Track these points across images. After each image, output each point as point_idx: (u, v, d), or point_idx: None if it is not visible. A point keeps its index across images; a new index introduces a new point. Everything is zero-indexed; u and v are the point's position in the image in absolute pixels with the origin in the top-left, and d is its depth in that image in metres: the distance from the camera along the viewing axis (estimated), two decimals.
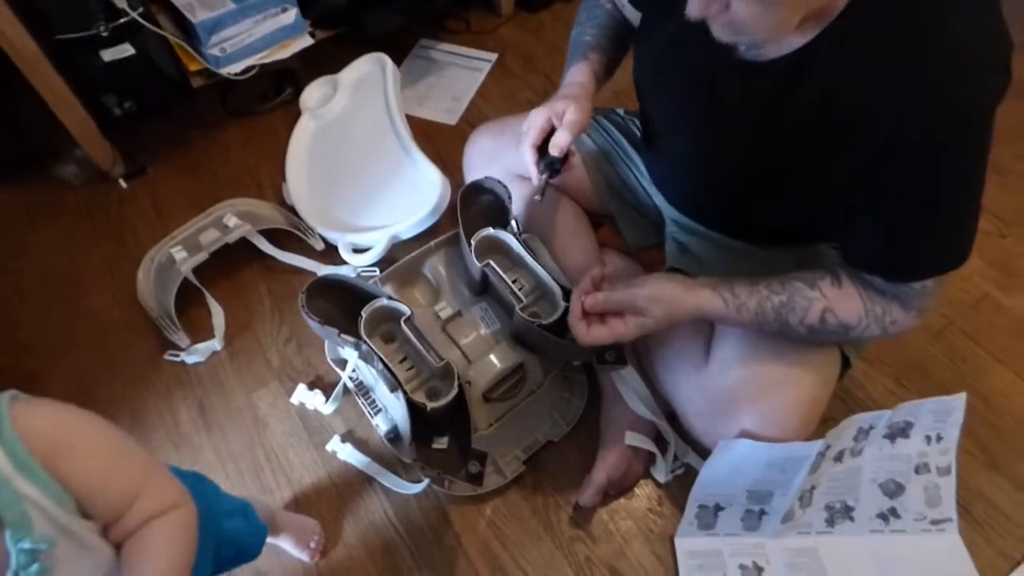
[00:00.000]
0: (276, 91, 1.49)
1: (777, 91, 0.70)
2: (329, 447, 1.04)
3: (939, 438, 0.91)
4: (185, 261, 1.15)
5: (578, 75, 0.92)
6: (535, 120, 0.86)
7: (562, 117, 0.85)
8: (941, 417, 0.89)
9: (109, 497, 0.51)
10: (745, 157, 0.78)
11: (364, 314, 0.89)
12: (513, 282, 0.94)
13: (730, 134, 0.78)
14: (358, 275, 1.17)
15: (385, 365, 0.87)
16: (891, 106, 0.63)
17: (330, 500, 1.02)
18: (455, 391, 0.85)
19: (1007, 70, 0.62)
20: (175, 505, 0.55)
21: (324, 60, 1.44)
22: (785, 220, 0.83)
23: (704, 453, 0.93)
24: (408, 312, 0.90)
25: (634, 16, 0.94)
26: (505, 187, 0.97)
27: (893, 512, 0.93)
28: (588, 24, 0.97)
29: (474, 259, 0.95)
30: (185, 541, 0.55)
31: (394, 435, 1.01)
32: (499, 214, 0.99)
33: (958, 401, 0.88)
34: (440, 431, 0.91)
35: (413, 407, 0.86)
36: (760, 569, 0.92)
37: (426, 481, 0.99)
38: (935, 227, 0.70)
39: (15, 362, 1.16)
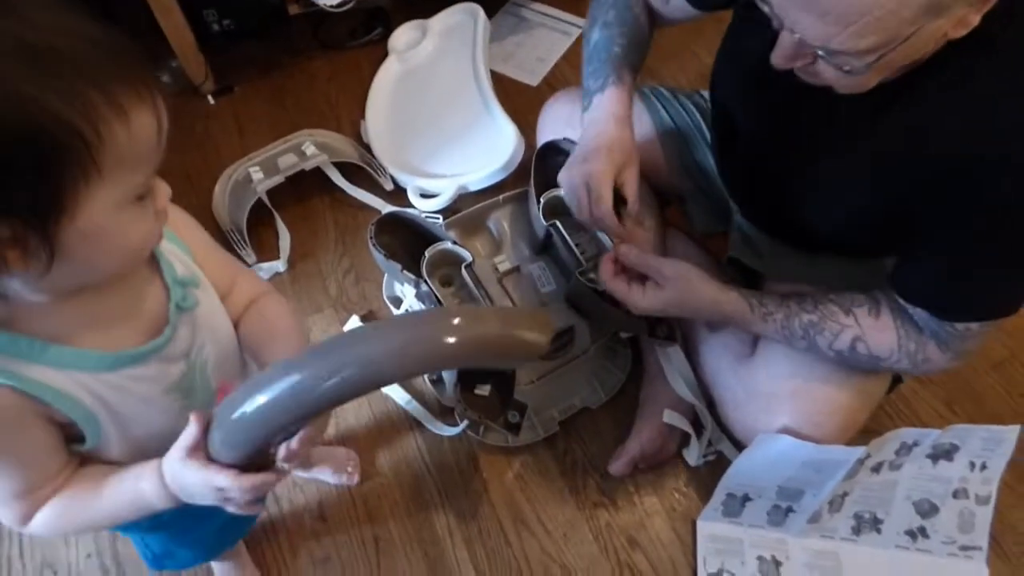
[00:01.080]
0: (366, 29, 1.51)
1: (861, 119, 0.67)
2: None
3: (983, 467, 0.89)
4: (261, 182, 1.19)
5: (619, 107, 0.83)
6: (602, 191, 0.79)
7: (622, 177, 0.81)
8: (990, 446, 0.87)
9: (213, 266, 0.56)
10: (818, 177, 0.76)
11: (427, 254, 0.91)
12: (576, 246, 0.95)
13: (808, 153, 0.76)
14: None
15: (441, 306, 0.90)
16: (984, 153, 0.60)
17: (368, 432, 1.06)
18: None
19: None
20: (269, 290, 0.61)
21: (417, 4, 1.45)
22: (846, 240, 0.82)
23: (739, 443, 0.93)
24: (470, 258, 0.92)
25: (683, 11, 0.87)
26: None
27: (923, 531, 0.92)
28: (617, 29, 0.88)
29: (541, 218, 0.96)
30: (296, 315, 0.61)
31: (437, 377, 1.04)
32: None
33: (1011, 433, 0.86)
34: (484, 378, 0.93)
35: None
36: (778, 563, 0.92)
37: (461, 426, 1.02)
38: (996, 274, 0.68)
39: None
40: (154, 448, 0.50)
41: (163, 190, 0.46)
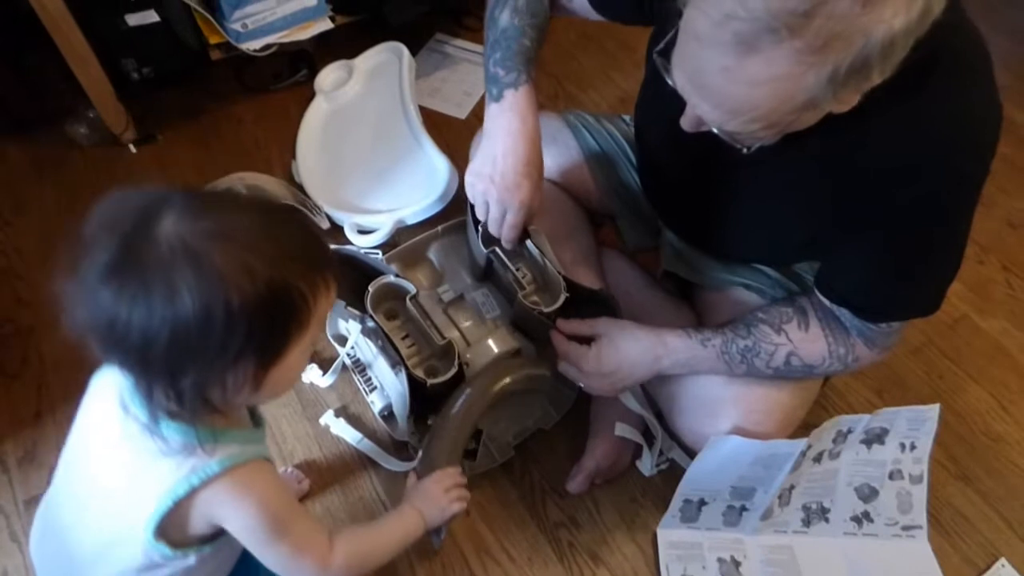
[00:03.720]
0: (291, 71, 1.51)
1: (775, 154, 0.68)
2: (322, 420, 1.06)
3: (913, 447, 0.95)
4: None
5: (530, 112, 0.82)
6: (519, 221, 0.83)
7: (515, 194, 0.81)
8: (915, 426, 0.93)
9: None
10: (740, 208, 0.81)
11: (371, 288, 0.91)
12: (517, 270, 0.96)
13: (727, 186, 0.80)
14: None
15: (388, 340, 0.90)
16: (902, 167, 0.66)
17: (320, 473, 1.03)
18: (455, 369, 0.87)
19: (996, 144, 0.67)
20: None
21: (339, 45, 1.46)
22: (768, 257, 0.89)
23: (689, 450, 0.96)
24: (414, 290, 0.92)
25: (584, 11, 0.88)
26: None
27: (866, 516, 0.96)
28: (529, 19, 0.86)
29: (480, 245, 0.97)
30: None
31: (388, 412, 1.03)
32: None
33: (932, 412, 0.92)
34: (436, 409, 0.93)
35: (413, 383, 0.89)
36: (737, 563, 0.95)
37: (416, 460, 1.01)
38: (916, 277, 0.74)
39: (11, 315, 1.16)
40: None
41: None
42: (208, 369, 0.52)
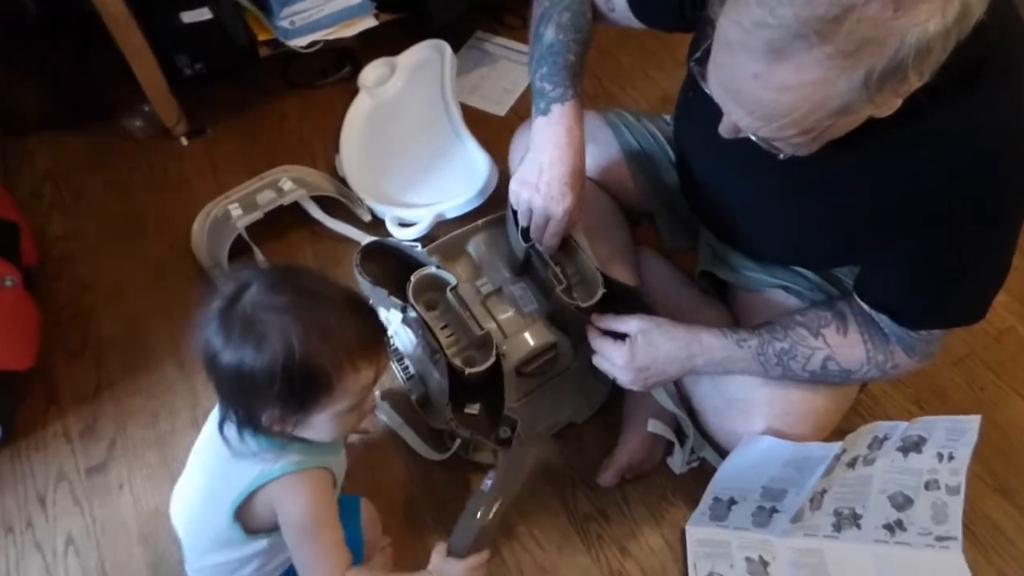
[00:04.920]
0: (335, 67, 1.55)
1: (813, 164, 0.68)
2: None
3: (951, 457, 0.94)
4: (241, 218, 1.20)
5: (576, 127, 0.85)
6: (560, 230, 0.87)
7: (559, 203, 0.84)
8: (954, 436, 0.92)
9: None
10: (783, 201, 0.80)
11: (413, 279, 0.94)
12: (556, 265, 0.98)
13: (769, 181, 0.79)
14: None
15: (429, 329, 0.92)
16: (947, 172, 0.65)
17: (356, 456, 1.06)
18: (492, 359, 0.89)
19: None
20: None
21: (382, 43, 1.49)
22: (807, 261, 0.89)
23: (720, 449, 0.97)
24: (455, 282, 0.95)
25: (627, 20, 0.89)
26: None
27: (899, 524, 0.96)
28: (573, 35, 0.88)
29: (520, 240, 0.99)
30: None
31: (425, 401, 1.05)
32: None
33: (972, 423, 0.91)
34: (472, 398, 0.95)
35: (451, 372, 0.91)
36: (766, 564, 0.95)
37: (452, 448, 1.03)
38: (960, 286, 0.73)
39: (74, 298, 1.22)
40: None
41: (369, 403, 0.74)
42: (249, 405, 0.67)
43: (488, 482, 0.82)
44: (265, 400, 0.65)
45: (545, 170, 0.84)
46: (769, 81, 0.55)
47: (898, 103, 0.58)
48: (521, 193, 0.87)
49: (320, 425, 0.69)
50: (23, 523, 1.02)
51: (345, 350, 0.65)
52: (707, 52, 0.61)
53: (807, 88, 0.54)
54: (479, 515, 0.80)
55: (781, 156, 0.66)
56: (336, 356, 0.65)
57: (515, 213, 0.98)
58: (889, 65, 0.52)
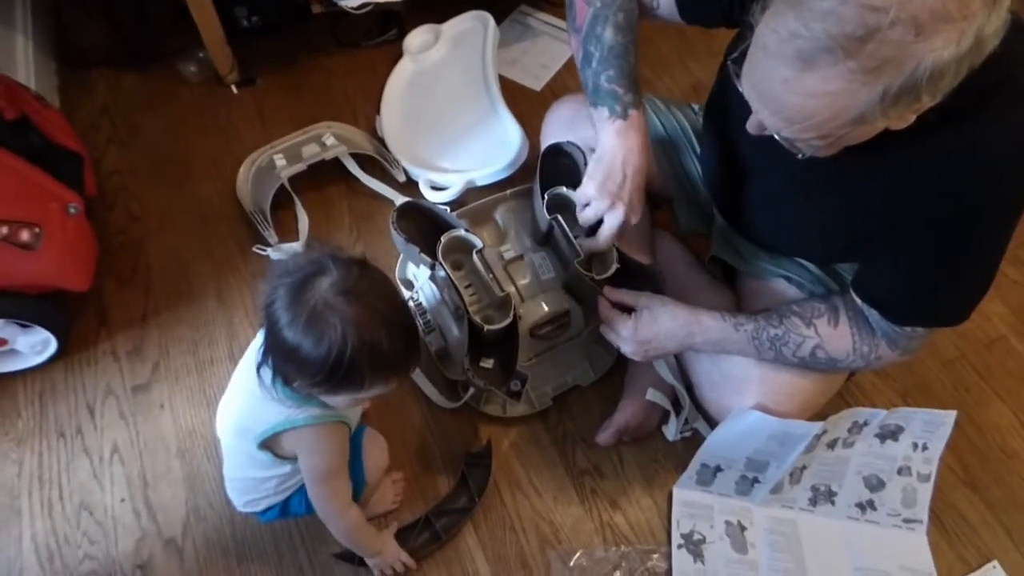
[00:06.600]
0: (381, 30, 1.60)
1: (829, 165, 0.73)
2: None
3: (925, 447, 1.01)
4: (285, 168, 1.28)
5: (645, 128, 0.90)
6: (593, 212, 0.91)
7: (636, 212, 0.90)
8: (930, 428, 1.00)
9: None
10: (799, 199, 0.86)
11: (443, 240, 1.01)
12: (575, 238, 1.05)
13: (788, 178, 0.85)
14: None
15: (455, 287, 1.00)
16: (948, 185, 0.71)
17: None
18: (510, 319, 0.97)
19: None
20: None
21: (429, 9, 1.54)
22: (818, 252, 0.94)
23: (713, 422, 1.04)
24: (481, 245, 1.02)
25: (671, 18, 0.92)
26: (583, 153, 1.07)
27: (871, 504, 1.04)
28: (631, 35, 0.90)
29: (544, 212, 1.06)
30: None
31: (443, 353, 1.14)
32: (571, 177, 1.09)
33: (948, 417, 0.98)
34: (488, 353, 1.03)
35: (471, 328, 0.99)
36: (743, 528, 1.04)
37: (465, 397, 1.12)
38: (946, 289, 0.79)
39: (124, 227, 1.32)
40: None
41: (373, 400, 0.86)
42: (288, 371, 0.75)
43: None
44: (304, 375, 0.73)
45: (630, 178, 0.88)
46: (796, 87, 0.61)
47: (911, 118, 0.64)
48: (601, 200, 0.89)
49: (341, 402, 0.79)
50: (73, 429, 1.13)
51: (385, 367, 0.74)
52: (744, 53, 0.67)
53: (830, 97, 0.60)
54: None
55: (800, 156, 0.72)
56: (377, 370, 0.73)
57: (543, 187, 1.05)
58: (905, 84, 0.57)
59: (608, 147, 0.90)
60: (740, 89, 0.69)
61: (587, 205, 0.92)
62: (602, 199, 0.90)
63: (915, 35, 0.55)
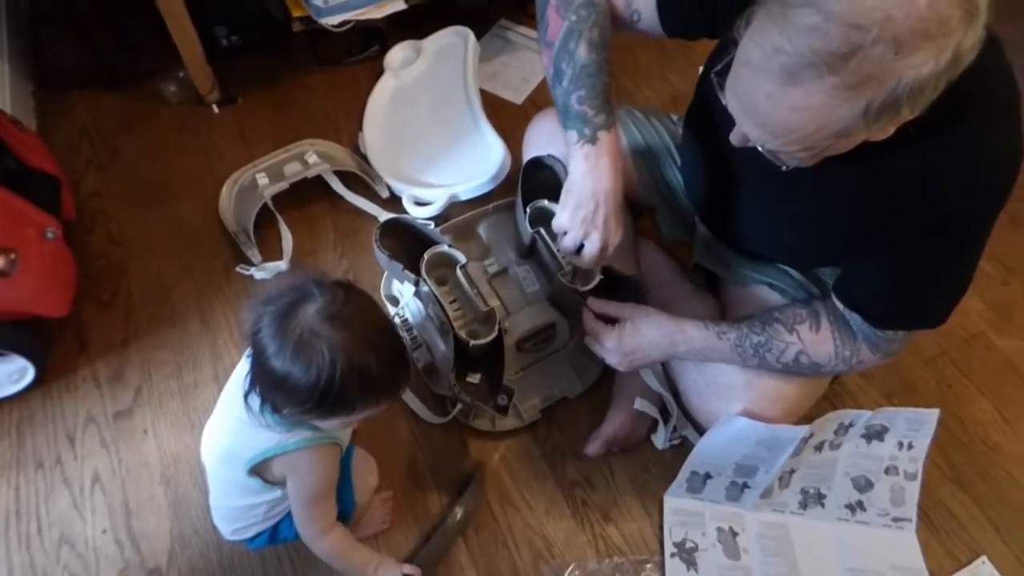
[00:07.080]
0: (362, 47, 1.61)
1: (807, 174, 0.73)
2: None
3: (910, 446, 1.03)
4: (267, 187, 1.28)
5: (617, 149, 0.87)
6: (572, 240, 0.88)
7: (615, 236, 0.88)
8: (915, 427, 1.01)
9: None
10: (780, 207, 0.87)
11: (426, 256, 1.01)
12: (558, 251, 1.05)
13: (769, 187, 0.86)
14: None
15: (439, 303, 1.00)
16: (926, 192, 0.72)
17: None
18: (495, 333, 0.97)
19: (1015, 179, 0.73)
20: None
21: (410, 25, 1.55)
22: (799, 258, 0.95)
23: (701, 429, 1.05)
24: (464, 260, 1.02)
25: (653, 31, 0.91)
26: (564, 166, 1.08)
27: (860, 505, 1.05)
28: (604, 53, 0.88)
29: (527, 225, 1.06)
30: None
31: (430, 369, 1.14)
32: (553, 189, 1.10)
33: (932, 415, 0.99)
34: (474, 368, 1.03)
35: (457, 343, 0.99)
36: (735, 534, 1.04)
37: (453, 412, 1.12)
38: (925, 293, 0.81)
39: (105, 251, 1.30)
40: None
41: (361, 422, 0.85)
42: (277, 398, 0.74)
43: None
44: (294, 403, 0.73)
45: (602, 205, 0.86)
46: (781, 102, 0.62)
47: (891, 130, 0.65)
48: (578, 230, 0.87)
49: (331, 425, 0.79)
50: (52, 459, 1.11)
51: (375, 390, 0.74)
52: (728, 66, 0.68)
53: (813, 111, 0.61)
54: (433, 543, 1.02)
55: (784, 168, 0.73)
56: (367, 394, 0.74)
57: (525, 200, 1.06)
58: (887, 100, 0.59)
59: (578, 175, 0.87)
60: (724, 102, 0.70)
61: (565, 234, 0.90)
62: (576, 229, 0.87)
63: (896, 53, 0.56)
